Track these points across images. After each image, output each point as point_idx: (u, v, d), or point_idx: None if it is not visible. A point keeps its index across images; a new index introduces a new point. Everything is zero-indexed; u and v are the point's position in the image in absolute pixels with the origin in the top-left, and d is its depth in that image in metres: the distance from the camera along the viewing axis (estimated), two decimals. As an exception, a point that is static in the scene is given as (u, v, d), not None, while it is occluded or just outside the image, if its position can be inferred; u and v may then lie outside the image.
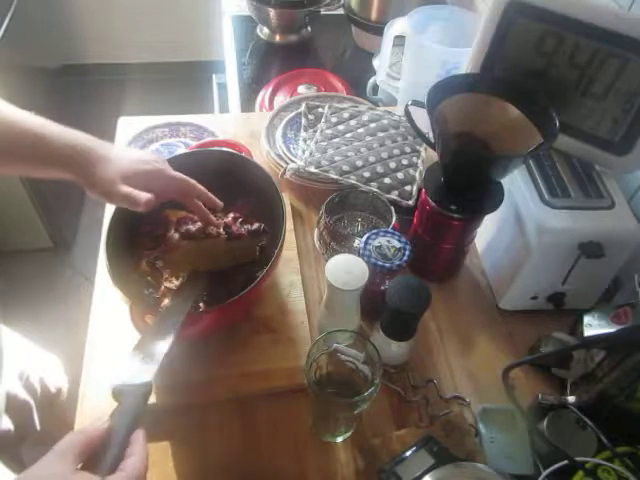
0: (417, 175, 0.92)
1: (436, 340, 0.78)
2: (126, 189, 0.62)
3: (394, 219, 0.81)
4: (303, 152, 0.95)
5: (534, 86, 0.74)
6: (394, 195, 0.89)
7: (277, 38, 1.44)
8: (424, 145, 0.97)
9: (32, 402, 0.90)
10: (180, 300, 0.66)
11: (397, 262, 0.69)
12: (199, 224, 0.70)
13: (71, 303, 1.76)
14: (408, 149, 0.97)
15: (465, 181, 0.73)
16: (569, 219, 0.70)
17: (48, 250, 1.89)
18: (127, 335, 0.62)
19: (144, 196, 0.63)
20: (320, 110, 1.03)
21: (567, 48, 0.72)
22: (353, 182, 0.89)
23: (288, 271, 0.81)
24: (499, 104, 0.70)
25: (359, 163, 0.92)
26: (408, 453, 0.62)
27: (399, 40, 1.02)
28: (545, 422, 0.65)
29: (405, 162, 0.94)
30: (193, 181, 0.69)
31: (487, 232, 0.83)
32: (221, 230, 0.71)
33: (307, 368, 0.59)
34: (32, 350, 0.96)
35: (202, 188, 0.69)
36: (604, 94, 0.72)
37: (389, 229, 0.75)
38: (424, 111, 0.67)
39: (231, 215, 0.74)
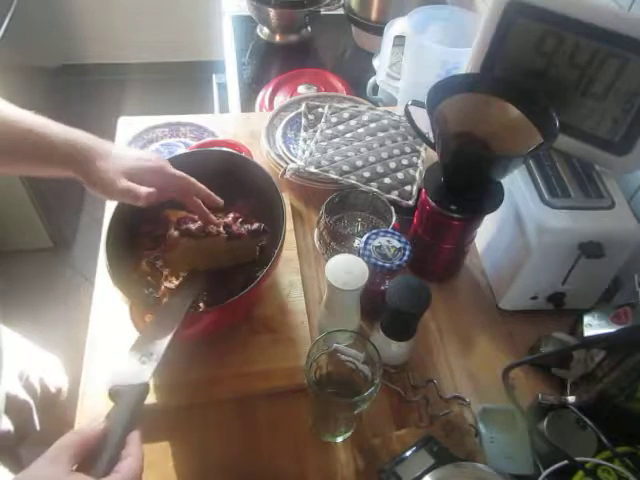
0: (417, 175, 0.92)
1: (436, 340, 0.78)
2: (126, 183, 0.62)
3: (394, 219, 0.81)
4: (303, 152, 0.95)
5: (534, 86, 0.74)
6: (394, 195, 0.89)
7: (277, 38, 1.44)
8: (424, 145, 0.97)
9: (32, 402, 0.90)
10: (178, 299, 0.66)
11: (397, 262, 0.69)
12: (199, 223, 0.70)
13: (71, 303, 1.76)
14: (408, 149, 0.97)
15: (465, 181, 0.73)
16: (569, 219, 0.70)
17: (48, 250, 1.89)
18: (127, 335, 0.62)
19: (144, 190, 0.63)
20: (320, 110, 1.03)
21: (567, 48, 0.72)
22: (353, 182, 0.89)
23: (288, 271, 0.81)
24: (499, 104, 0.70)
25: (359, 163, 0.92)
26: (408, 453, 0.62)
27: (399, 40, 1.02)
28: (545, 422, 0.65)
29: (405, 162, 0.94)
30: (193, 179, 0.69)
31: (487, 232, 0.83)
32: (221, 229, 0.71)
33: (307, 368, 0.59)
34: (32, 350, 0.96)
35: (202, 186, 0.69)
36: (604, 94, 0.72)
37: (389, 229, 0.75)
38: (424, 111, 0.67)
39: (231, 215, 0.74)
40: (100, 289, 0.79)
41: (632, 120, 0.71)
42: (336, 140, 0.97)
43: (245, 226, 0.73)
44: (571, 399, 0.65)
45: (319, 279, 0.83)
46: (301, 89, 1.24)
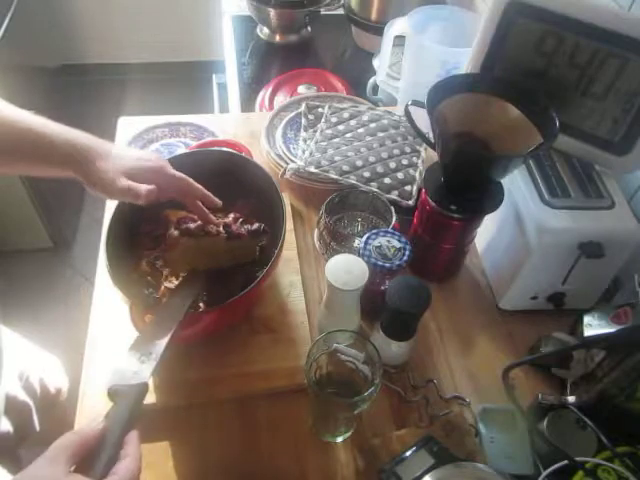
0: (417, 175, 0.92)
1: (436, 340, 0.78)
2: (126, 182, 0.62)
3: (394, 219, 0.81)
4: (303, 152, 0.95)
5: (534, 86, 0.74)
6: (394, 195, 0.89)
7: (277, 38, 1.44)
8: (424, 145, 0.97)
9: (32, 403, 0.90)
10: (178, 299, 0.66)
11: (397, 262, 0.69)
12: (199, 223, 0.70)
13: (71, 303, 1.76)
14: (408, 149, 0.97)
15: (465, 181, 0.73)
16: (569, 219, 0.70)
17: (48, 250, 1.89)
18: (127, 335, 0.62)
19: (145, 187, 0.63)
20: (320, 110, 1.03)
21: (567, 48, 0.72)
22: (353, 182, 0.89)
23: (288, 271, 0.81)
24: (499, 104, 0.70)
25: (359, 163, 0.92)
26: (408, 453, 0.62)
27: (399, 40, 1.02)
28: (545, 422, 0.65)
29: (405, 162, 0.94)
30: (192, 181, 0.69)
31: (487, 232, 0.83)
32: (221, 229, 0.71)
33: (307, 368, 0.59)
34: (32, 351, 0.96)
35: (201, 188, 0.69)
36: (604, 94, 0.72)
37: (389, 229, 0.75)
38: (424, 111, 0.67)
39: (231, 215, 0.74)
40: (100, 289, 0.79)
41: (632, 120, 0.71)
42: (336, 140, 0.97)
43: (245, 226, 0.73)
44: (571, 399, 0.65)
45: (319, 279, 0.83)
46: (301, 89, 1.24)
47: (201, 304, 0.71)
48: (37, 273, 1.86)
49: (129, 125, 1.03)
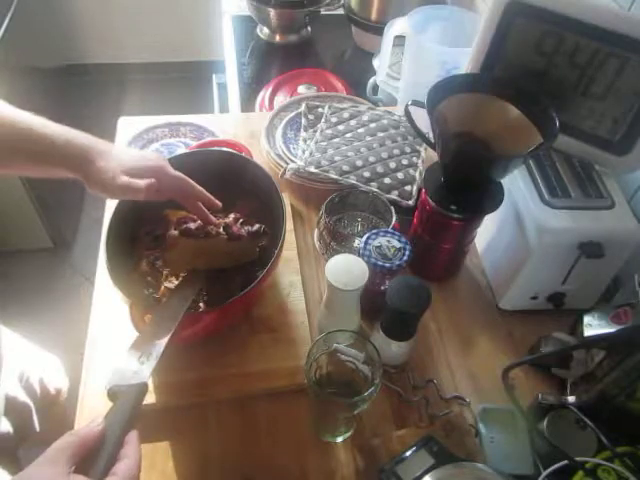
0: (417, 175, 0.92)
1: (436, 340, 0.78)
2: (126, 179, 0.62)
3: (394, 219, 0.81)
4: (303, 152, 0.95)
5: (534, 86, 0.74)
6: (394, 195, 0.89)
7: (277, 38, 1.44)
8: (424, 145, 0.97)
9: (31, 404, 0.90)
10: (178, 299, 0.66)
11: (397, 262, 0.69)
12: (199, 223, 0.70)
13: (71, 303, 1.75)
14: (408, 149, 0.97)
15: (465, 181, 0.73)
16: (569, 219, 0.70)
17: (48, 250, 1.89)
18: (127, 335, 0.62)
19: (145, 181, 0.62)
20: (320, 110, 1.03)
21: (567, 48, 0.72)
22: (353, 182, 0.89)
23: (288, 271, 0.81)
24: (499, 104, 0.70)
25: (359, 163, 0.92)
26: (408, 453, 0.62)
27: (399, 40, 1.02)
28: (545, 422, 0.65)
29: (405, 162, 0.94)
30: (192, 182, 0.69)
31: (487, 232, 0.83)
32: (221, 230, 0.71)
33: (307, 368, 0.59)
34: (32, 351, 0.96)
35: (201, 189, 0.69)
36: (604, 94, 0.72)
37: (389, 229, 0.75)
38: (424, 111, 0.67)
39: (232, 216, 0.74)
40: (100, 289, 0.79)
41: (632, 120, 0.71)
42: (336, 140, 0.97)
43: (245, 227, 0.73)
44: (571, 399, 0.65)
45: (319, 279, 0.83)
46: (301, 89, 1.24)
47: (201, 304, 0.71)
48: (37, 273, 1.86)
49: (129, 125, 1.03)
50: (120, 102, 2.32)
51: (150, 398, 0.67)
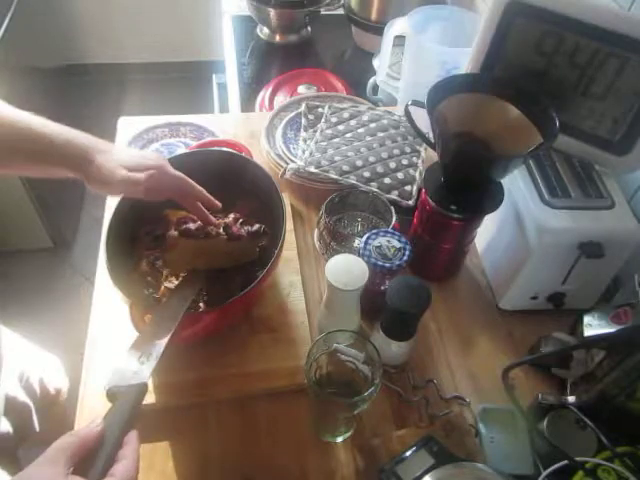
0: (417, 175, 0.92)
1: (436, 340, 0.78)
2: (125, 172, 0.62)
3: (394, 219, 0.81)
4: (303, 152, 0.95)
5: (534, 86, 0.74)
6: (394, 195, 0.89)
7: (277, 38, 1.44)
8: (424, 145, 0.97)
9: (31, 404, 0.90)
10: (178, 299, 0.66)
11: (397, 262, 0.69)
12: (199, 223, 0.70)
13: (71, 303, 1.75)
14: (408, 149, 0.97)
15: (465, 181, 0.73)
16: (569, 219, 0.70)
17: (48, 250, 1.89)
18: (127, 335, 0.62)
19: (144, 173, 0.62)
20: (320, 110, 1.03)
21: (567, 48, 0.72)
22: (353, 182, 0.89)
23: (288, 271, 0.81)
24: (499, 104, 0.70)
25: (359, 163, 0.92)
26: (408, 453, 0.62)
27: (399, 40, 1.02)
28: (545, 422, 0.65)
29: (405, 162, 0.94)
30: (192, 182, 0.69)
31: (487, 232, 0.83)
32: (220, 230, 0.71)
33: (307, 368, 0.59)
34: (32, 351, 0.96)
35: (201, 189, 0.69)
36: (604, 94, 0.72)
37: (389, 229, 0.75)
38: (424, 111, 0.67)
39: (231, 215, 0.74)
40: (100, 289, 0.79)
41: (632, 120, 0.71)
42: (336, 140, 0.97)
43: (245, 227, 0.73)
44: (571, 399, 0.65)
45: (319, 279, 0.83)
46: (301, 89, 1.24)
47: (201, 304, 0.71)
48: (37, 273, 1.86)
49: (129, 125, 1.03)
50: (120, 102, 2.32)
51: (150, 398, 0.67)
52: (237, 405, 0.70)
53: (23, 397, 0.88)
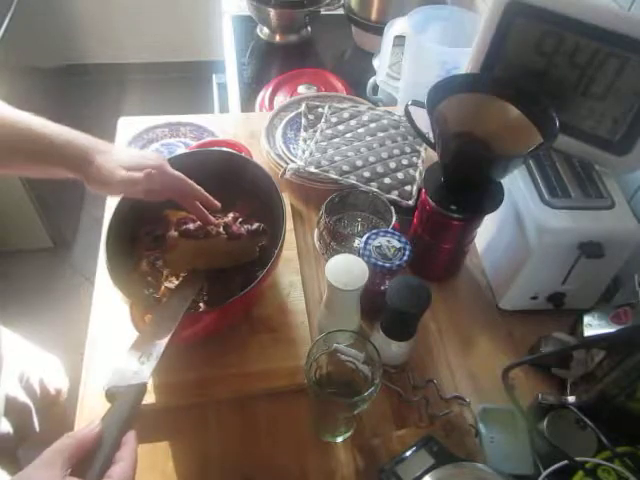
0: (417, 175, 0.92)
1: (436, 340, 0.78)
2: (125, 172, 0.62)
3: (394, 219, 0.81)
4: (303, 152, 0.95)
5: (534, 86, 0.74)
6: (394, 195, 0.89)
7: (277, 38, 1.44)
8: (424, 145, 0.97)
9: (31, 404, 0.90)
10: (177, 299, 0.66)
11: (397, 262, 0.69)
12: (199, 223, 0.70)
13: (71, 303, 1.75)
14: (408, 149, 0.97)
15: (465, 181, 0.73)
16: (569, 219, 0.70)
17: (48, 250, 1.89)
18: (127, 335, 0.62)
19: (143, 173, 0.62)
20: (320, 110, 1.03)
21: (567, 48, 0.72)
22: (353, 182, 0.89)
23: (288, 271, 0.81)
24: (499, 104, 0.70)
25: (359, 163, 0.92)
26: (408, 453, 0.62)
27: (399, 40, 1.02)
28: (545, 422, 0.65)
29: (405, 162, 0.94)
30: (191, 182, 0.69)
31: (487, 232, 0.83)
32: (220, 230, 0.71)
33: (307, 368, 0.59)
34: (32, 352, 0.96)
35: (200, 189, 0.69)
36: (604, 94, 0.72)
37: (389, 229, 0.75)
38: (424, 111, 0.67)
39: (230, 215, 0.74)
40: (100, 289, 0.79)
41: (632, 120, 0.71)
42: (336, 140, 0.97)
43: (245, 226, 0.73)
44: (571, 399, 0.65)
45: (319, 279, 0.83)
46: (301, 89, 1.24)
47: (201, 304, 0.71)
48: (37, 273, 1.86)
49: (129, 125, 1.03)
50: (120, 102, 2.32)
51: (150, 398, 0.67)
52: (237, 405, 0.70)
53: (23, 397, 0.88)
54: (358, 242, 0.78)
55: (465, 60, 0.84)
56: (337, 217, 0.87)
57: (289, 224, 0.86)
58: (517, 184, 0.75)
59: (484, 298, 0.84)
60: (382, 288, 0.72)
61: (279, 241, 0.69)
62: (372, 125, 1.00)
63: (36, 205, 1.69)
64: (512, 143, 0.68)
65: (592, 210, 0.71)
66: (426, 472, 0.59)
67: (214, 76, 1.63)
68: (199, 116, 1.07)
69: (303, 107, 1.03)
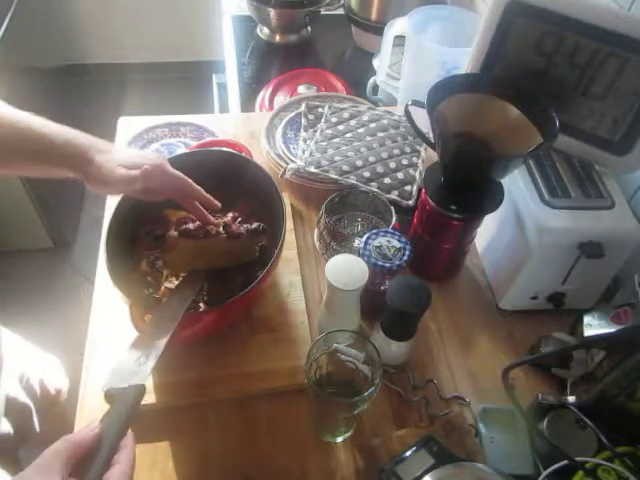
0: (417, 175, 0.92)
1: (436, 340, 0.78)
2: (123, 170, 0.62)
3: (394, 219, 0.81)
4: (303, 152, 0.95)
5: (534, 86, 0.74)
6: (394, 195, 0.89)
7: (277, 38, 1.44)
8: (424, 145, 0.97)
9: (32, 405, 0.90)
10: (177, 300, 0.66)
11: (397, 262, 0.69)
12: (198, 223, 0.70)
13: (71, 303, 1.75)
14: (408, 149, 0.97)
15: (465, 181, 0.73)
16: (569, 219, 0.70)
17: (48, 250, 1.89)
18: (127, 335, 0.62)
19: (140, 170, 0.62)
20: (320, 110, 1.03)
21: (567, 48, 0.72)
22: (353, 182, 0.89)
23: (288, 271, 0.81)
24: (499, 104, 0.70)
25: (359, 163, 0.92)
26: (408, 453, 0.62)
27: (399, 40, 1.02)
28: (545, 422, 0.65)
29: (405, 162, 0.94)
30: (191, 181, 0.69)
31: (487, 232, 0.83)
32: (220, 229, 0.71)
33: (307, 368, 0.59)
34: (32, 352, 0.96)
35: (200, 189, 0.69)
36: (604, 94, 0.72)
37: (389, 229, 0.75)
38: (424, 111, 0.67)
39: (230, 214, 0.74)
40: (100, 289, 0.79)
41: (632, 120, 0.71)
42: (336, 140, 0.97)
43: (244, 226, 0.73)
44: (571, 399, 0.65)
45: (319, 279, 0.83)
46: (301, 89, 1.24)
47: (201, 304, 0.71)
48: (37, 273, 1.86)
49: (129, 125, 1.03)
50: (120, 102, 2.32)
51: (150, 398, 0.67)
52: (237, 405, 0.70)
53: (23, 398, 0.88)
54: (358, 242, 0.78)
55: (465, 60, 0.84)
56: (337, 217, 0.87)
57: (289, 224, 0.86)
58: (517, 184, 0.75)
59: (484, 298, 0.84)
60: (382, 288, 0.72)
61: (279, 241, 0.69)
62: (372, 125, 1.00)
63: (36, 205, 1.69)
64: (512, 143, 0.68)
65: (592, 210, 0.71)
66: (426, 472, 0.59)
67: (214, 76, 1.63)
68: (199, 116, 1.07)
69: (303, 107, 1.03)
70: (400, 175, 0.92)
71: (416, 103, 0.74)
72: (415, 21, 0.97)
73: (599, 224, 0.70)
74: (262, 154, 0.98)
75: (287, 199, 0.91)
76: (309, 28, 1.46)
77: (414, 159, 0.95)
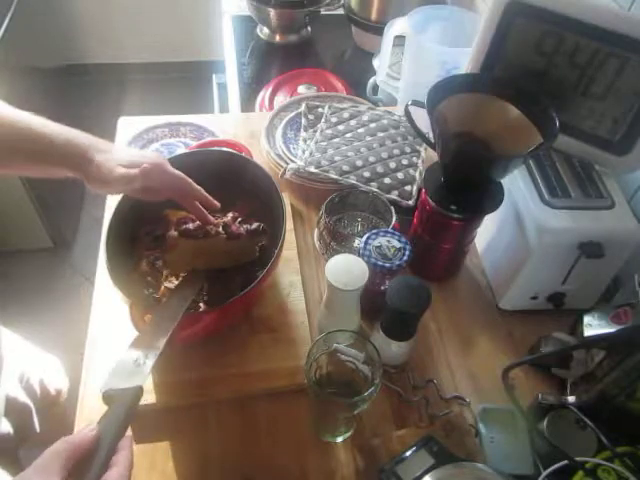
0: (417, 175, 0.92)
1: (436, 340, 0.78)
2: (123, 169, 0.62)
3: (394, 219, 0.81)
4: (303, 152, 0.95)
5: (534, 86, 0.74)
6: (394, 195, 0.89)
7: (277, 38, 1.44)
8: (424, 145, 0.97)
9: (32, 405, 0.90)
10: (177, 300, 0.66)
11: (397, 262, 0.69)
12: (198, 223, 0.70)
13: (71, 303, 1.75)
14: (408, 149, 0.97)
15: (465, 181, 0.73)
16: (569, 219, 0.70)
17: (48, 250, 1.89)
18: (127, 335, 0.62)
19: (140, 168, 0.62)
20: (320, 110, 1.03)
21: (567, 48, 0.72)
22: (353, 182, 0.89)
23: (288, 271, 0.81)
24: (499, 104, 0.70)
25: (359, 163, 0.92)
26: (408, 453, 0.62)
27: (399, 40, 1.02)
28: (545, 422, 0.65)
29: (405, 162, 0.94)
30: (191, 181, 0.69)
31: (487, 232, 0.83)
32: (220, 229, 0.71)
33: (307, 368, 0.59)
34: (32, 352, 0.96)
35: (200, 189, 0.69)
36: (604, 94, 0.72)
37: (389, 229, 0.75)
38: (424, 111, 0.67)
39: (230, 214, 0.74)
40: (100, 289, 0.79)
41: (632, 120, 0.71)
42: (336, 140, 0.97)
43: (244, 226, 0.73)
44: (571, 399, 0.65)
45: (319, 279, 0.83)
46: (301, 89, 1.24)
47: (201, 304, 0.71)
48: (37, 273, 1.86)
49: (129, 125, 1.03)
50: (120, 102, 2.32)
51: (150, 398, 0.67)
52: (237, 405, 0.70)
53: (23, 398, 0.88)
54: (358, 242, 0.78)
55: (465, 60, 0.84)
56: (337, 217, 0.87)
57: (289, 224, 0.86)
58: (517, 184, 0.75)
59: (484, 298, 0.84)
60: (382, 288, 0.72)
61: (279, 241, 0.69)
62: (372, 125, 1.00)
63: (36, 205, 1.69)
64: (512, 143, 0.68)
65: (592, 210, 0.71)
66: (426, 472, 0.59)
67: (214, 76, 1.63)
68: (199, 116, 1.07)
69: (303, 107, 1.04)
70: (400, 175, 0.92)
71: (416, 103, 0.74)
72: (415, 21, 0.97)
73: (599, 224, 0.70)
74: (262, 154, 0.98)
75: (287, 199, 0.91)
76: (309, 28, 1.46)
77: (414, 159, 0.95)
